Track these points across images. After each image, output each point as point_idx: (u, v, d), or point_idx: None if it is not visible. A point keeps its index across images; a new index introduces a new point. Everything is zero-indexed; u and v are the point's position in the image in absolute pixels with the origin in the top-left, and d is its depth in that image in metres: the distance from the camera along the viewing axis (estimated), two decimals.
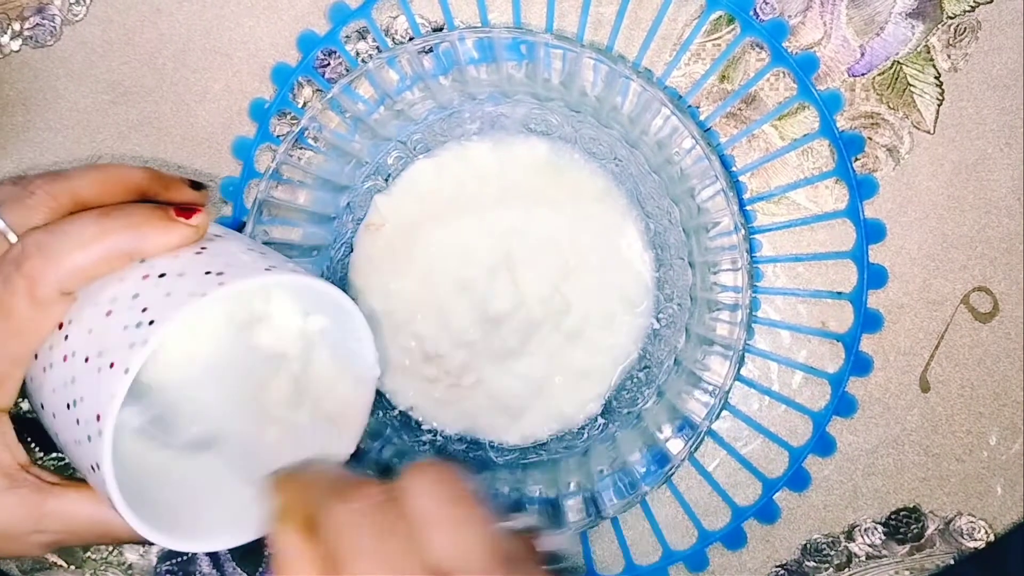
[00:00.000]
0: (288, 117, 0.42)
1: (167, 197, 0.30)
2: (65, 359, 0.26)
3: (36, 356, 0.27)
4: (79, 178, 0.29)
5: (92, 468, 0.25)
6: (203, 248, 0.28)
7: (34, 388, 0.27)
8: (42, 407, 0.27)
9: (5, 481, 0.28)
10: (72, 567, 0.43)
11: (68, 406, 0.26)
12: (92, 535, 0.29)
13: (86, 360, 0.25)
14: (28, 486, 0.28)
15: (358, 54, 0.42)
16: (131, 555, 0.43)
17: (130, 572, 0.43)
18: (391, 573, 0.23)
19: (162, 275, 0.26)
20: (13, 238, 0.27)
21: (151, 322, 0.25)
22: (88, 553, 0.43)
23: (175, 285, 0.26)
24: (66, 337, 0.26)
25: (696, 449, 0.39)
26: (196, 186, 0.31)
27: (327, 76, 0.42)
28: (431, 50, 0.40)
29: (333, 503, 0.25)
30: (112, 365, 0.25)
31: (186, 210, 0.28)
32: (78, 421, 0.25)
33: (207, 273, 0.26)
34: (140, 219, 0.27)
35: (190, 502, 0.29)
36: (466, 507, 0.25)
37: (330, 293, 0.29)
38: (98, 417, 0.24)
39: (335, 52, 0.42)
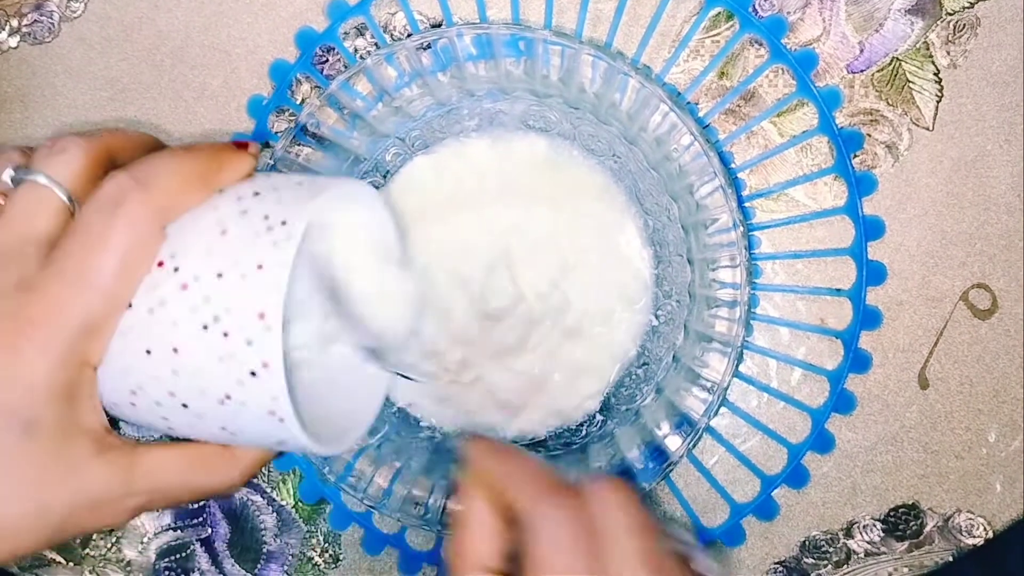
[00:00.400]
0: (286, 113, 0.42)
1: None
2: (186, 287, 0.26)
3: (130, 305, 0.27)
4: (108, 136, 0.29)
5: (252, 375, 0.26)
6: (269, 174, 0.30)
7: (132, 338, 0.27)
8: (149, 353, 0.27)
9: (95, 446, 0.27)
10: (71, 564, 0.43)
11: (205, 327, 0.26)
12: (183, 492, 0.29)
13: (219, 276, 0.26)
14: (117, 449, 0.27)
15: (356, 50, 0.42)
16: (130, 552, 0.43)
17: (129, 569, 0.43)
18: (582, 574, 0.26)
19: (256, 193, 0.28)
20: (61, 193, 0.27)
21: (283, 222, 0.26)
22: (87, 550, 0.43)
23: (280, 195, 0.27)
24: (176, 270, 0.26)
25: (694, 446, 0.39)
26: None
27: (325, 72, 0.42)
28: (429, 46, 0.40)
29: (539, 495, 0.27)
30: (260, 267, 0.25)
31: (240, 144, 0.30)
32: (225, 334, 0.26)
33: (299, 184, 0.28)
34: (214, 150, 0.29)
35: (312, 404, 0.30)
36: (647, 531, 0.27)
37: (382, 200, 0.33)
38: (261, 315, 0.25)
39: (333, 48, 0.42)
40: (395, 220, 0.34)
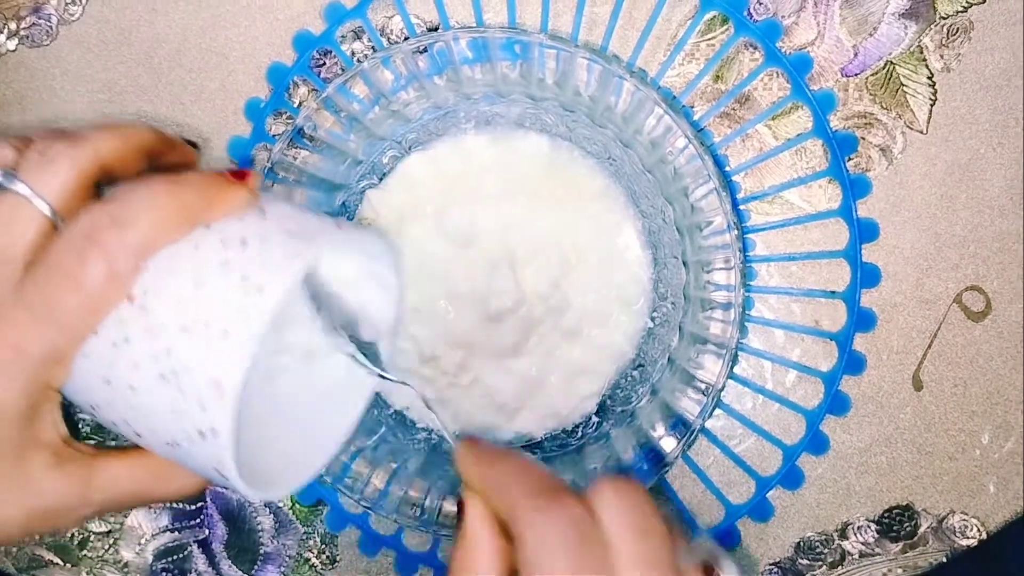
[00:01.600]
0: (284, 116, 0.42)
1: (172, 156, 0.31)
2: (151, 332, 0.25)
3: (96, 331, 0.26)
4: (99, 141, 0.28)
5: (200, 434, 0.25)
6: (263, 211, 0.28)
7: (93, 364, 0.26)
8: (108, 383, 0.26)
9: (53, 459, 0.27)
10: (68, 565, 0.43)
11: (163, 377, 0.25)
12: (139, 500, 0.29)
13: (184, 331, 0.25)
14: (74, 461, 0.28)
15: (353, 54, 0.42)
16: (127, 553, 0.43)
17: (126, 570, 0.43)
18: None
19: (243, 242, 0.26)
20: (42, 205, 0.26)
21: (260, 289, 0.25)
22: (84, 551, 0.43)
23: (265, 250, 0.26)
24: (145, 309, 0.25)
25: (689, 447, 0.39)
26: (192, 144, 0.32)
27: (322, 76, 0.42)
28: (426, 50, 0.40)
29: (526, 497, 0.25)
30: (226, 334, 0.24)
31: (238, 174, 0.28)
32: (181, 391, 0.25)
33: (289, 235, 0.26)
34: (206, 184, 0.27)
35: (256, 452, 0.29)
36: (657, 538, 0.25)
37: (383, 243, 0.31)
38: (217, 385, 0.24)
39: (330, 52, 0.42)
40: (398, 260, 0.32)
